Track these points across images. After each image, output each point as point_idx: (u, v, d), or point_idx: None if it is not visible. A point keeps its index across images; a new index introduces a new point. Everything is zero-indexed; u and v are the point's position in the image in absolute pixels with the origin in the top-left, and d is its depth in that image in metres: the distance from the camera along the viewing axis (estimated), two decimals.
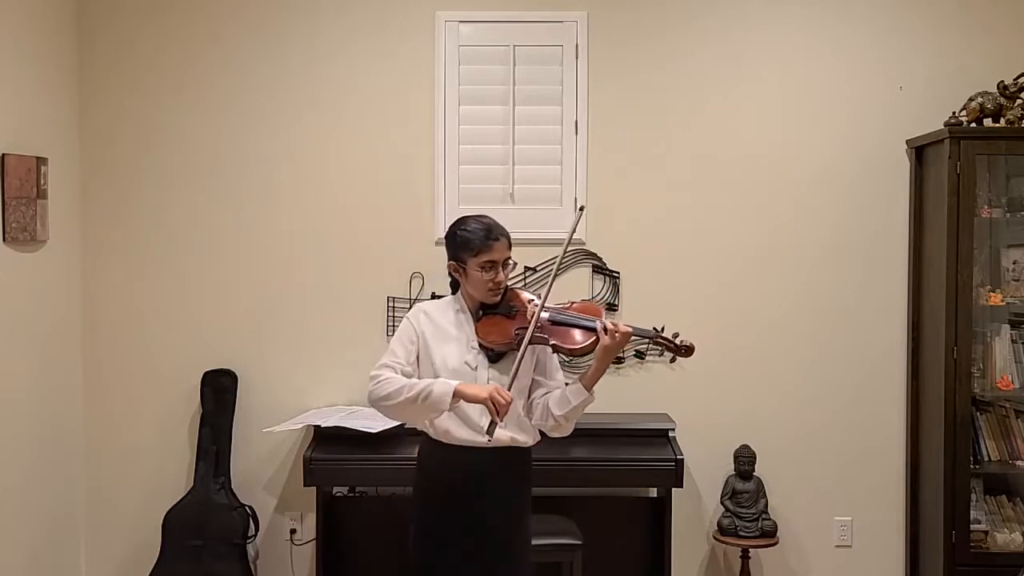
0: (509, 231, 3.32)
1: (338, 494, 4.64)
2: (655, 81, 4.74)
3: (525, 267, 4.66)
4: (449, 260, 3.31)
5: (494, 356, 3.26)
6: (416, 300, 4.70)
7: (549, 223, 4.71)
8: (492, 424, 3.10)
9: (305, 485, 4.40)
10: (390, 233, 4.75)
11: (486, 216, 3.33)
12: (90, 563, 4.82)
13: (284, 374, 4.77)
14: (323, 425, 4.44)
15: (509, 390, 3.13)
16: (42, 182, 4.37)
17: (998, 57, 4.64)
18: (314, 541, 4.57)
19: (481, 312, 3.31)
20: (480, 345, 3.26)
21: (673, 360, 3.29)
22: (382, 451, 4.36)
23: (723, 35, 4.74)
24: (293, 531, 4.79)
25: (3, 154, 4.13)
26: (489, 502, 3.25)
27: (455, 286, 3.37)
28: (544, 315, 3.24)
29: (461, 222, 3.31)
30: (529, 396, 3.33)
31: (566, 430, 3.32)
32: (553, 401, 3.27)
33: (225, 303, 4.78)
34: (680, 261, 4.77)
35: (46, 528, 4.49)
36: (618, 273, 4.75)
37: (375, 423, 4.39)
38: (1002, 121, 4.48)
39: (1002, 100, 4.48)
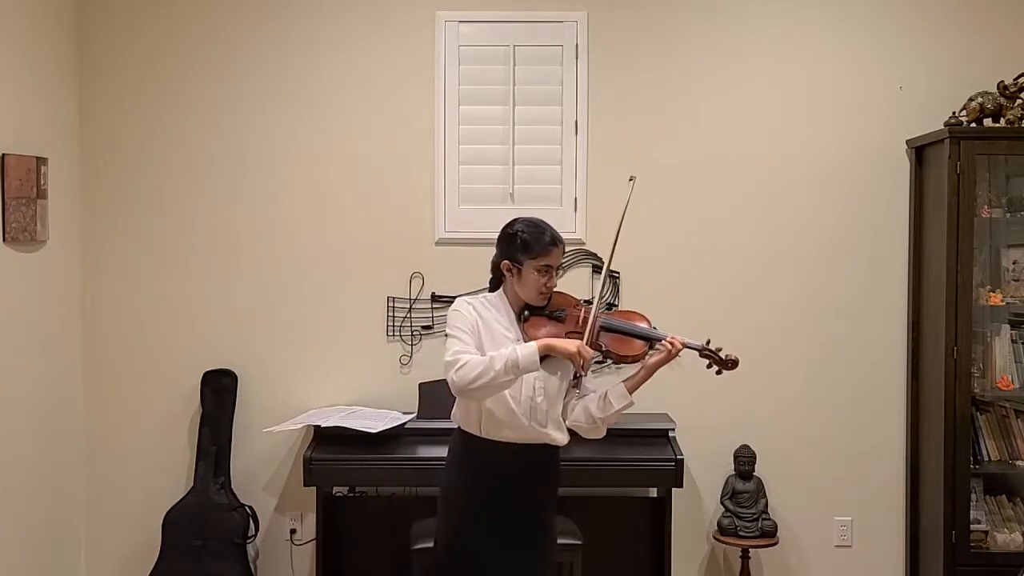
0: None
1: (338, 494, 4.64)
2: (655, 81, 4.74)
3: None
4: (503, 259, 3.35)
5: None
6: (416, 300, 4.71)
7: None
8: (578, 378, 3.24)
9: (305, 485, 4.40)
10: (390, 233, 4.75)
11: (540, 219, 3.40)
12: (90, 563, 4.82)
13: (284, 374, 4.77)
14: (323, 425, 4.44)
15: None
16: (42, 182, 4.37)
17: (998, 57, 4.64)
18: (314, 541, 4.57)
19: (527, 313, 3.36)
20: None
21: (719, 373, 3.38)
22: (382, 451, 4.37)
23: (723, 35, 4.74)
24: (293, 531, 4.79)
25: (3, 154, 4.13)
26: (522, 497, 3.31)
27: (494, 284, 3.42)
28: (597, 321, 3.32)
29: (517, 223, 3.37)
30: (566, 396, 3.39)
31: (601, 432, 3.41)
32: (594, 404, 3.36)
33: (225, 303, 4.78)
34: (680, 261, 4.77)
35: (46, 528, 4.49)
36: (618, 273, 4.75)
37: (375, 423, 4.39)
38: (1002, 121, 4.48)
39: (1002, 100, 4.48)
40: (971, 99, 4.52)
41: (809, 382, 4.78)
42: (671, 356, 3.29)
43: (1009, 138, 4.41)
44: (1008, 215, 4.53)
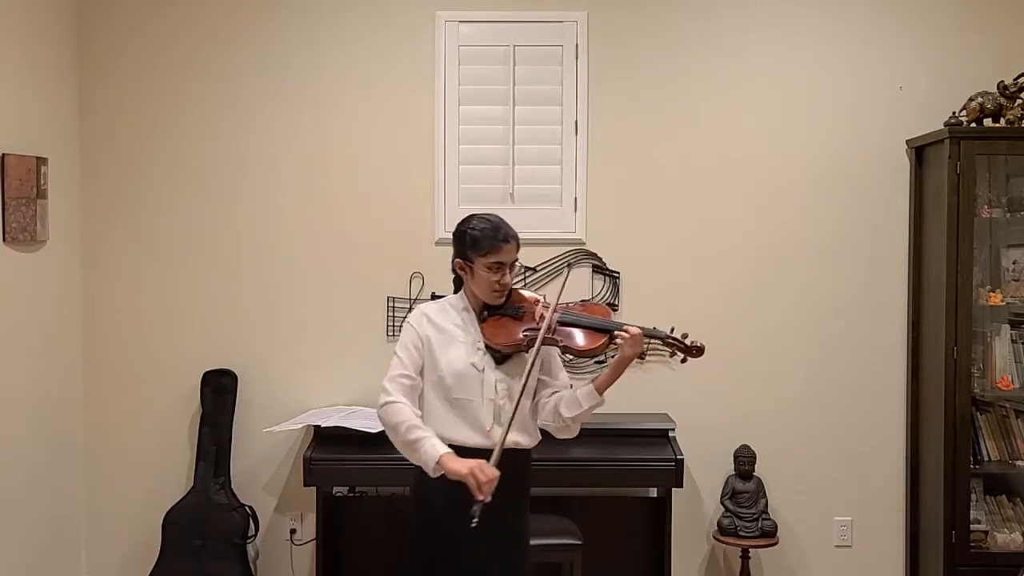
0: None
1: (338, 494, 4.64)
2: (655, 81, 4.74)
3: (525, 267, 4.66)
4: (456, 258, 3.28)
5: (500, 357, 3.24)
6: (416, 300, 4.71)
7: (549, 223, 4.71)
8: (477, 504, 2.96)
9: (305, 485, 4.40)
10: (390, 233, 4.75)
11: (496, 216, 3.30)
12: (90, 563, 4.82)
13: (284, 374, 4.77)
14: (323, 425, 4.44)
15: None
16: (42, 182, 4.37)
17: (998, 57, 4.64)
18: (314, 541, 4.57)
19: (486, 313, 3.28)
20: (486, 346, 3.24)
21: (684, 360, 3.29)
22: (382, 451, 4.33)
23: (723, 35, 4.74)
24: (293, 531, 4.79)
25: (3, 154, 4.13)
26: (489, 504, 3.22)
27: (458, 284, 3.35)
28: (554, 316, 3.22)
29: (471, 220, 3.28)
30: (535, 396, 3.32)
31: (573, 432, 3.32)
32: (563, 403, 3.27)
33: (225, 303, 4.78)
34: (680, 261, 4.77)
35: (46, 528, 4.49)
36: (618, 273, 4.75)
37: (375, 423, 4.36)
38: (1002, 121, 4.48)
39: (1002, 100, 4.48)
40: (971, 99, 4.52)
41: (809, 382, 4.78)
42: (633, 347, 3.16)
43: (1009, 138, 4.41)
44: (1008, 215, 4.53)
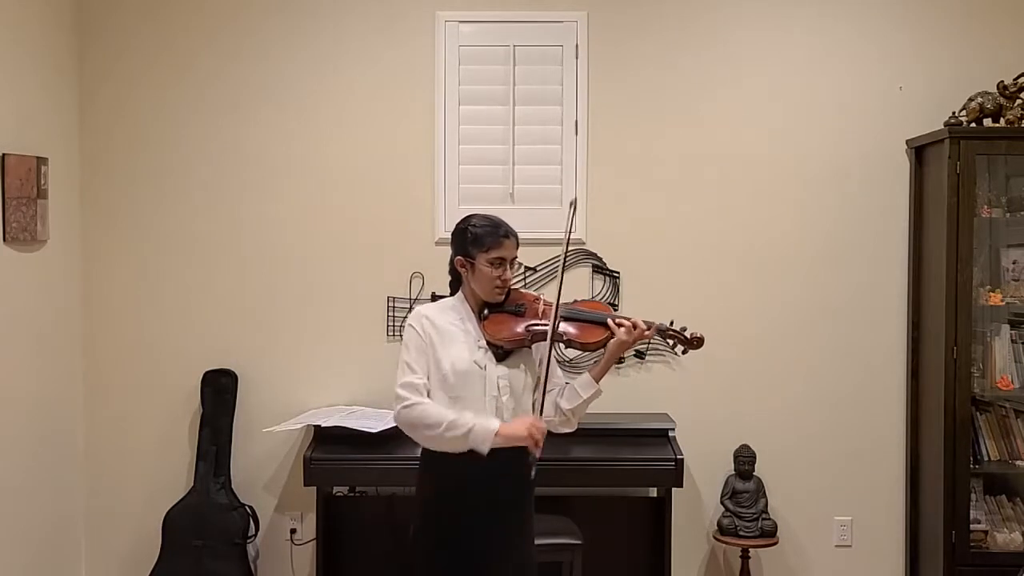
0: None
1: (338, 494, 4.64)
2: (655, 81, 4.74)
3: (525, 267, 4.66)
4: (457, 255, 3.31)
5: (502, 354, 3.27)
6: (416, 300, 4.71)
7: (549, 223, 4.70)
8: (533, 458, 3.15)
9: (305, 485, 4.40)
10: (390, 233, 4.75)
11: (494, 214, 3.36)
12: (90, 563, 4.82)
13: (284, 374, 4.77)
14: (323, 425, 4.44)
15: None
16: (42, 182, 4.37)
17: (998, 57, 4.64)
18: (314, 541, 4.58)
19: (487, 311, 3.31)
20: (487, 343, 3.27)
21: (684, 352, 3.37)
22: (382, 451, 4.36)
23: (723, 35, 4.74)
24: (293, 531, 4.79)
25: (3, 154, 4.13)
26: (497, 504, 3.24)
27: (454, 286, 3.38)
28: (559, 311, 3.28)
29: (471, 219, 3.33)
30: (533, 392, 3.34)
31: (573, 425, 3.38)
32: (563, 396, 3.33)
33: (225, 303, 4.78)
34: (680, 261, 4.77)
35: (46, 528, 4.49)
36: (618, 273, 4.75)
37: (375, 423, 4.39)
38: (1002, 121, 4.48)
39: (1002, 100, 4.48)
40: (971, 99, 4.52)
41: (809, 382, 4.78)
42: (634, 338, 3.26)
43: (1009, 138, 4.41)
44: (1008, 215, 4.53)
